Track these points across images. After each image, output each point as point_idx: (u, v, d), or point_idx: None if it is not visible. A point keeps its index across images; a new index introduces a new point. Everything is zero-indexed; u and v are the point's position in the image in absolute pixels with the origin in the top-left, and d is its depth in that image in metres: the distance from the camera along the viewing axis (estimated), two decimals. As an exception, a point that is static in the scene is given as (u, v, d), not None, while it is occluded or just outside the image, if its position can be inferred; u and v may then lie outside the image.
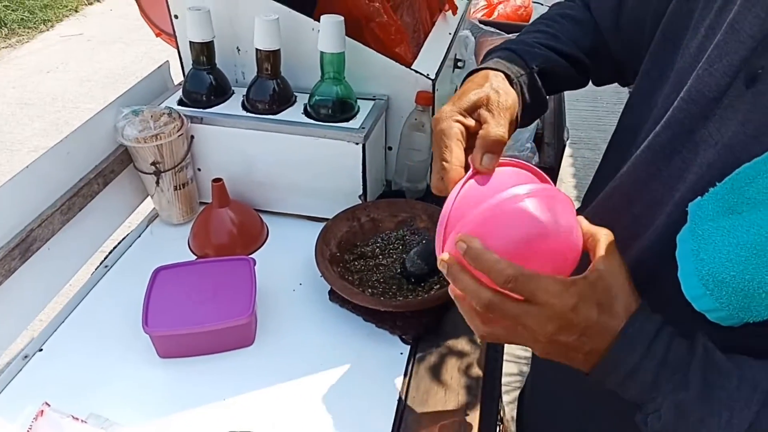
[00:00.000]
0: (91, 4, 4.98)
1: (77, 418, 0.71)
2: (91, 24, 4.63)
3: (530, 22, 1.74)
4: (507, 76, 0.65)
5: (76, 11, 4.83)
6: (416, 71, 1.03)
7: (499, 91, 0.61)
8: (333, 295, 0.91)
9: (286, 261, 0.98)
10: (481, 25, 1.37)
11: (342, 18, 0.93)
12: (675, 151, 0.53)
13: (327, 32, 0.93)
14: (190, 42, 0.99)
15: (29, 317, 0.84)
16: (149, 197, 1.06)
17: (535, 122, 1.20)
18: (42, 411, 0.70)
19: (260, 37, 0.96)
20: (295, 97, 1.05)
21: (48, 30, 4.51)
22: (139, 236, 1.04)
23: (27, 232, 0.80)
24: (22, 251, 0.79)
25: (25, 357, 0.81)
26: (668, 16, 0.60)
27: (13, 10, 4.51)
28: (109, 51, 4.13)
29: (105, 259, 1.01)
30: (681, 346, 0.48)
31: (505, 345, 1.04)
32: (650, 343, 0.47)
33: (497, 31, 1.35)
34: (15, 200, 0.80)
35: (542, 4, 2.00)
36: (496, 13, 1.85)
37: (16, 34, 4.39)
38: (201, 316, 0.81)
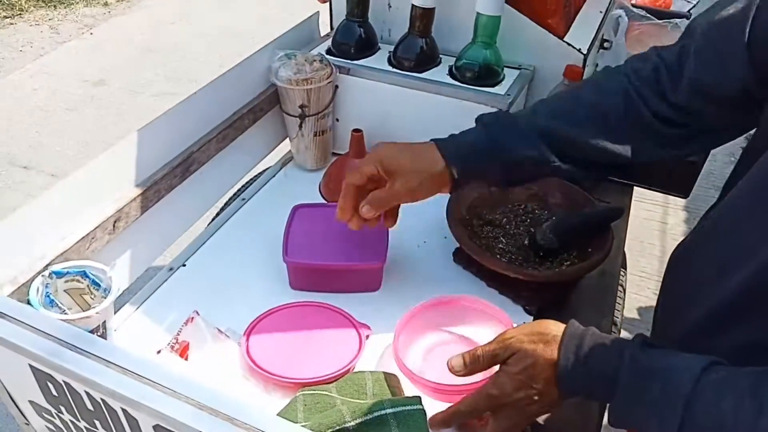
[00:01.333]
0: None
1: (221, 331, 0.75)
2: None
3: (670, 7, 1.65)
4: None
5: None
6: (569, 44, 1.00)
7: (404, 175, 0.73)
8: (458, 256, 0.91)
9: (413, 218, 0.99)
10: (633, 8, 1.31)
11: (505, -20, 0.92)
12: None
13: (488, -7, 0.92)
14: (348, -8, 1.02)
15: (179, 232, 0.90)
16: (287, 140, 1.10)
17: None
18: (192, 318, 0.75)
19: (418, -7, 0.96)
20: (441, 58, 1.05)
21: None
22: (274, 176, 1.08)
23: (188, 154, 0.85)
24: (182, 170, 0.84)
25: (171, 269, 0.87)
26: None
27: (146, -38, 4.76)
28: (227, 8, 4.30)
29: (242, 191, 1.06)
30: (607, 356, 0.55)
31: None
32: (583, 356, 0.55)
33: (648, 15, 1.29)
34: (180, 125, 0.85)
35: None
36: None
37: (147, -16, 4.64)
38: (335, 255, 0.83)
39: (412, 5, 0.98)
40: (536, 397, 0.58)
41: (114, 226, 0.73)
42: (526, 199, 0.99)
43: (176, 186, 0.84)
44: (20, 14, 4.10)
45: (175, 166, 0.83)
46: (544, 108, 0.74)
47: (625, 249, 2.29)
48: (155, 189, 0.79)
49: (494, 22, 0.95)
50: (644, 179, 1.10)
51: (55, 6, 4.24)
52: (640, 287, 2.20)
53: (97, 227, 0.71)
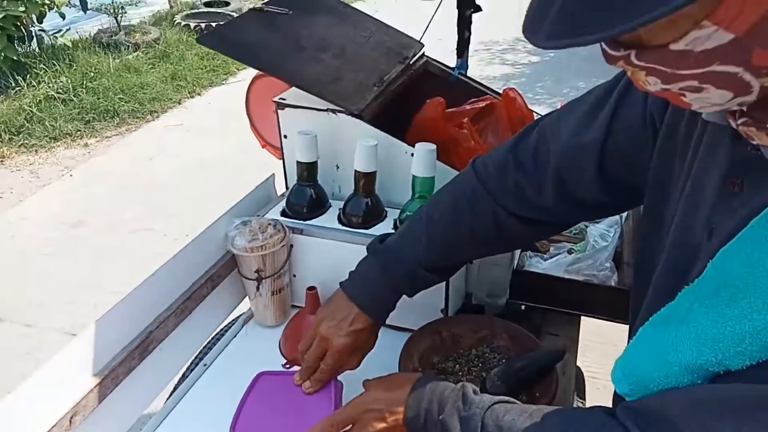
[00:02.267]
0: (192, 97, 5.49)
1: None
2: (192, 116, 5.09)
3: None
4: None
5: (179, 103, 5.33)
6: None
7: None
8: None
9: (368, 368, 1.02)
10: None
11: (434, 147, 1.02)
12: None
13: (420, 159, 1.02)
14: (297, 161, 1.11)
15: (138, 412, 0.92)
16: (246, 298, 1.15)
17: (615, 241, 1.22)
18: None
19: (359, 160, 1.06)
20: (386, 212, 1.13)
21: (154, 120, 5.00)
22: (236, 335, 1.12)
23: (146, 334, 0.89)
24: (141, 351, 0.88)
25: (132, 449, 0.88)
26: (653, 171, 0.68)
27: (126, 102, 5.04)
28: (205, 142, 4.50)
29: (204, 355, 1.09)
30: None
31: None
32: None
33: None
34: (138, 306, 0.90)
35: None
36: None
37: (126, 123, 4.88)
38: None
39: (355, 170, 1.07)
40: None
41: (71, 421, 0.75)
42: (476, 343, 1.03)
43: (135, 368, 0.87)
44: (2, 161, 4.26)
45: (134, 348, 0.86)
46: (427, 239, 0.85)
47: (599, 353, 2.28)
48: (113, 376, 0.82)
49: (429, 182, 1.04)
50: (590, 309, 1.15)
51: (36, 150, 4.42)
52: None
53: (53, 426, 0.73)
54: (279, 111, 1.17)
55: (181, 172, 4.05)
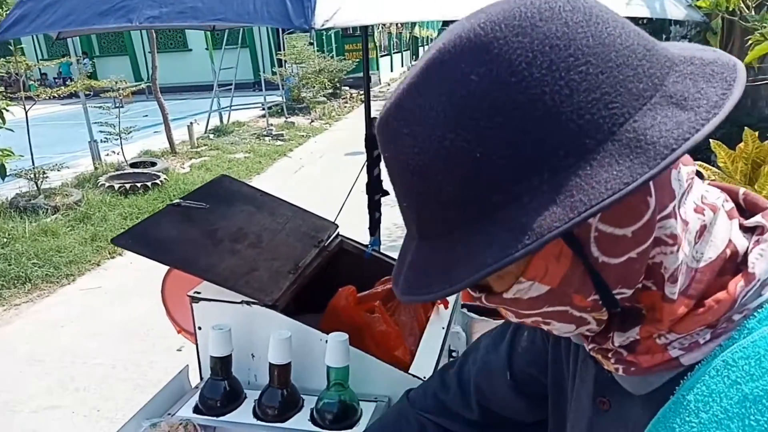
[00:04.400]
0: (113, 257, 5.37)
1: None
2: (111, 277, 4.95)
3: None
4: None
5: (98, 265, 5.19)
6: (413, 375, 1.13)
7: None
8: None
9: None
10: (471, 314, 1.52)
11: (346, 336, 1.07)
12: None
13: (333, 349, 1.06)
14: (211, 356, 1.12)
15: None
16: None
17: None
18: None
19: (273, 352, 1.08)
20: (303, 401, 1.13)
21: (69, 284, 4.81)
22: None
23: None
24: None
25: None
26: (550, 380, 0.71)
27: (40, 267, 4.86)
28: (124, 304, 4.34)
29: None
30: None
31: None
32: None
33: (485, 318, 1.50)
34: None
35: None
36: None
37: (39, 289, 4.66)
38: None
39: (270, 362, 1.09)
40: None
41: None
42: None
43: None
44: None
45: None
46: None
47: None
48: None
49: (343, 371, 1.07)
50: None
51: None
52: None
53: None
54: (193, 305, 1.20)
55: (95, 339, 3.84)
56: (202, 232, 1.31)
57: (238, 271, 1.23)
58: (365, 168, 1.52)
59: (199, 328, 1.21)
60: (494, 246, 0.42)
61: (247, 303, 1.17)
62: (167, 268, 1.54)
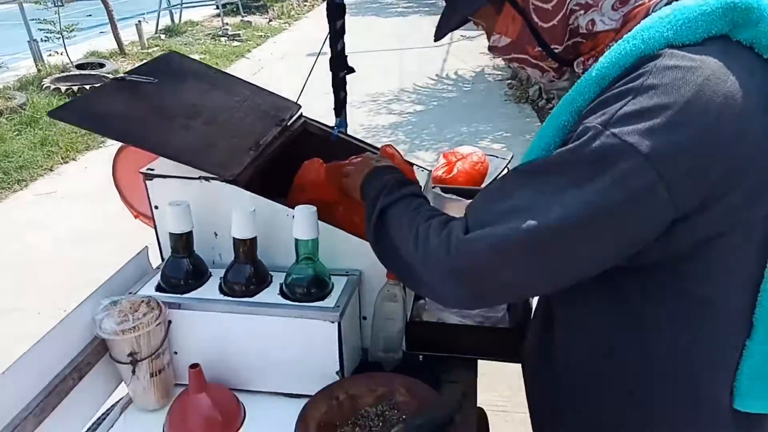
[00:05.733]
0: (66, 162, 5.14)
1: None
2: (66, 182, 4.75)
3: (487, 175, 1.90)
4: None
5: (51, 170, 4.97)
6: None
7: None
8: (314, 485, 0.89)
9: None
10: (443, 193, 1.48)
11: (314, 209, 1.01)
12: None
13: (301, 221, 1.00)
14: (170, 233, 1.05)
15: None
16: (123, 383, 1.05)
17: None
18: None
19: (237, 227, 1.02)
20: (271, 276, 1.09)
21: (22, 189, 4.61)
22: (113, 425, 1.01)
23: (-3, 442, 0.78)
24: (-9, 465, 0.77)
25: None
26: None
27: (-13, 173, 4.62)
28: (81, 208, 4.20)
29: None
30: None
31: None
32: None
33: (456, 197, 1.46)
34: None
35: (497, 157, 2.16)
36: (455, 170, 1.99)
37: (-11, 196, 4.46)
38: None
39: (233, 237, 1.04)
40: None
41: None
42: (374, 401, 1.01)
43: (-17, 486, 0.75)
44: None
45: (-19, 463, 0.75)
46: None
47: (505, 386, 2.33)
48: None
49: (312, 243, 1.02)
50: (486, 352, 1.18)
51: None
52: (527, 424, 2.24)
53: None
54: (147, 182, 1.11)
55: (54, 243, 3.73)
56: (152, 108, 1.20)
57: (193, 147, 1.14)
58: (327, 41, 1.40)
59: (156, 207, 1.14)
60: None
61: (206, 179, 1.10)
62: (113, 170, 1.43)
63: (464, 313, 1.22)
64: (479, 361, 1.19)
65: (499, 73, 7.49)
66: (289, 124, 1.42)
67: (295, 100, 1.54)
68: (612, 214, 0.61)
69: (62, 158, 5.16)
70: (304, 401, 0.98)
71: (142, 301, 1.00)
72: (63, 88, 6.38)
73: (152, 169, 1.12)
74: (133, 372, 0.99)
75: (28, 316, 3.01)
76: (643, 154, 0.59)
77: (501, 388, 2.35)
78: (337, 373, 1.04)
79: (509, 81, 7.01)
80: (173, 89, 1.29)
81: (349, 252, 1.11)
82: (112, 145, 5.45)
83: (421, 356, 1.18)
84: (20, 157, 4.92)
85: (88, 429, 1.11)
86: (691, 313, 0.69)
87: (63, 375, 0.91)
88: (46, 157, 5.08)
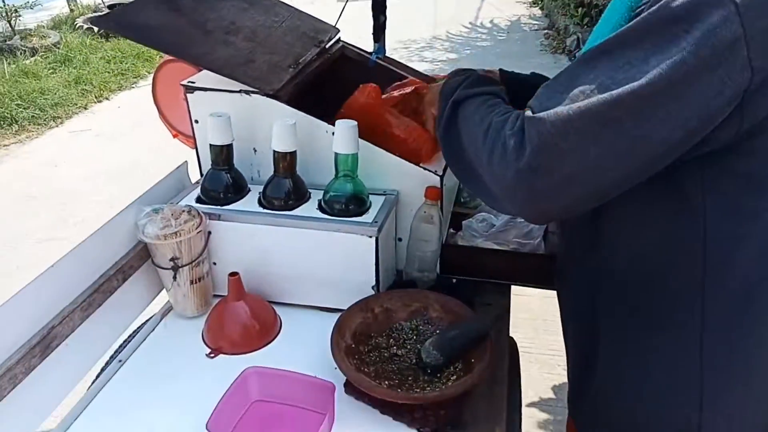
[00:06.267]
0: (100, 101, 5.20)
1: None
2: (100, 120, 4.81)
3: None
4: None
5: (86, 108, 5.03)
6: (425, 168, 1.08)
7: None
8: (349, 387, 0.91)
9: (300, 353, 0.99)
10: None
11: (355, 123, 1.00)
12: None
13: (341, 135, 0.99)
14: (210, 144, 1.05)
15: (46, 412, 0.83)
16: (164, 290, 1.08)
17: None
18: None
19: (278, 140, 1.02)
20: (310, 193, 1.10)
21: (57, 126, 4.68)
22: (153, 329, 1.05)
23: (48, 329, 0.81)
24: (42, 348, 0.80)
25: (39, 457, 0.80)
26: None
27: (24, 108, 4.70)
28: (115, 146, 4.27)
29: (119, 352, 1.01)
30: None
31: None
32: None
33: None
34: (37, 299, 0.82)
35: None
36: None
37: (26, 131, 4.55)
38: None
39: (273, 150, 1.03)
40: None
41: (-40, 429, 0.67)
42: (409, 317, 1.02)
43: (36, 366, 0.79)
44: None
45: (33, 345, 0.78)
46: None
47: (529, 328, 2.34)
48: (10, 375, 0.74)
49: (352, 158, 1.02)
50: (520, 278, 1.17)
51: (-76, 162, 4.03)
52: (551, 366, 2.26)
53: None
54: (188, 95, 1.11)
55: (90, 178, 3.81)
56: (191, 22, 1.18)
57: (233, 61, 1.12)
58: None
59: (196, 122, 1.14)
60: None
61: (247, 92, 1.09)
62: (152, 88, 1.43)
63: (500, 240, 1.22)
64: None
65: (536, 23, 7.24)
66: (327, 46, 1.40)
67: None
68: (693, 76, 0.58)
69: (96, 97, 5.21)
70: (338, 316, 0.99)
71: (183, 210, 1.02)
72: (95, 28, 6.37)
73: (193, 82, 1.12)
74: (174, 278, 1.01)
75: (64, 246, 3.09)
76: (735, 3, 0.56)
77: (525, 329, 2.36)
78: (372, 288, 1.05)
79: (546, 31, 6.78)
80: (211, 6, 1.27)
81: (388, 172, 1.10)
82: (145, 86, 5.50)
83: (454, 279, 1.18)
84: (55, 94, 4.98)
85: (131, 334, 1.15)
86: (752, 200, 0.67)
87: (108, 275, 0.94)
88: (80, 96, 5.13)
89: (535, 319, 2.40)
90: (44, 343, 0.80)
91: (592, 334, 0.84)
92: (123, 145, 4.24)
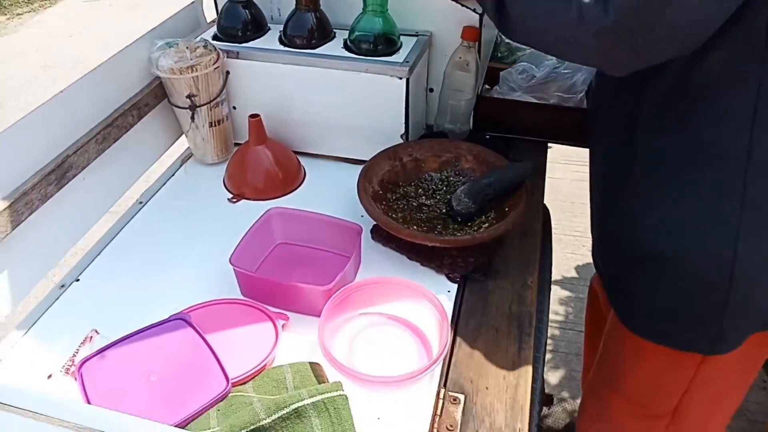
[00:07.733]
0: (112, -31, 4.92)
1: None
2: (114, -11, 4.58)
3: None
4: None
5: (99, -24, 4.78)
6: (462, 4, 0.97)
7: None
8: (376, 233, 0.87)
9: (324, 201, 0.95)
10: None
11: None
12: None
13: (372, -42, 0.88)
14: (227, -29, 0.95)
15: (64, 247, 0.82)
16: (183, 137, 1.03)
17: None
18: (90, 337, 0.68)
19: (301, -36, 0.91)
20: (335, 33, 1.00)
21: (70, -5, 4.48)
22: (173, 175, 1.01)
23: (63, 158, 0.78)
24: (58, 177, 0.76)
25: (62, 286, 0.79)
26: None
27: (35, -24, 4.48)
28: (130, 15, 4.09)
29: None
30: None
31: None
32: None
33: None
34: (50, 125, 0.78)
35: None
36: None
37: (39, 0, 4.37)
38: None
39: (295, -21, 0.93)
40: None
41: (-22, 245, 0.65)
42: (439, 167, 0.96)
43: (52, 195, 0.76)
44: None
45: (48, 172, 0.75)
46: None
47: (557, 209, 2.30)
48: (26, 200, 0.71)
49: (382, -11, 0.91)
50: (560, 135, 1.09)
51: (-63, 29, 3.93)
52: (576, 246, 2.24)
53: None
54: None
55: (105, 48, 3.67)
56: None
57: None
58: None
59: (211, -52, 1.03)
60: None
61: None
62: None
63: (539, 94, 1.12)
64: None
65: None
66: None
67: None
68: None
69: (108, -35, 4.93)
70: (365, 167, 0.94)
71: (199, 45, 0.94)
72: None
73: None
74: (192, 119, 0.96)
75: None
76: None
77: (552, 211, 2.31)
78: (401, 137, 0.98)
79: None
80: None
81: (421, 9, 0.99)
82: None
83: (488, 135, 1.11)
84: (66, -40, 4.72)
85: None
86: None
87: (122, 109, 0.89)
88: (91, -37, 4.86)
89: (563, 201, 2.35)
90: (59, 172, 0.76)
91: (629, 145, 0.76)
92: (135, 16, 4.05)
